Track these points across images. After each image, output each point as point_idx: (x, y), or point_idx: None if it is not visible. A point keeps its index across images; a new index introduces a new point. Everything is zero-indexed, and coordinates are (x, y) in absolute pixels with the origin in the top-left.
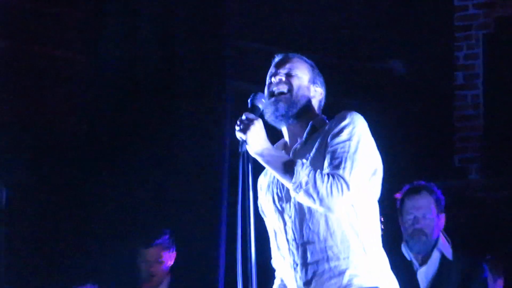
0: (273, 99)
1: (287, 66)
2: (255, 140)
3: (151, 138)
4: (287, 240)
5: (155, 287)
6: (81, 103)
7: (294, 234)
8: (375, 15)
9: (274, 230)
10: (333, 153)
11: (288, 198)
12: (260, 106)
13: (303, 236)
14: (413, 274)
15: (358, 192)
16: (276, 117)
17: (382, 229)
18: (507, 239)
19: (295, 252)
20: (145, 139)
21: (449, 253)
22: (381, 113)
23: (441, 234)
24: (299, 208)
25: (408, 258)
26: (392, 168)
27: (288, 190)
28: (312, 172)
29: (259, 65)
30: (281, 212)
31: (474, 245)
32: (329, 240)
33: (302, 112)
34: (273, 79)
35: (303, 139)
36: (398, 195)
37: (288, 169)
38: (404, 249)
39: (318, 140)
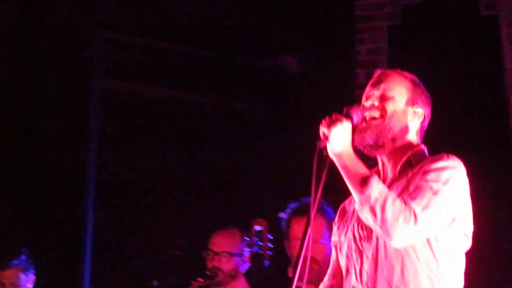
0: (363, 124)
1: (382, 86)
2: (338, 138)
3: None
4: (361, 282)
5: None
6: None
7: (367, 277)
8: (264, 5)
9: (346, 269)
10: (415, 187)
11: (370, 237)
12: (354, 117)
13: (375, 280)
14: None
15: (425, 231)
16: (364, 147)
17: None
18: None
19: None
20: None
21: None
22: (272, 114)
23: None
24: (377, 251)
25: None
26: (285, 175)
27: (371, 229)
28: (386, 191)
29: (132, 60)
30: (360, 252)
31: None
32: None
33: (397, 142)
34: (365, 103)
35: (396, 173)
36: (283, 215)
37: (362, 179)
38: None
39: (409, 176)
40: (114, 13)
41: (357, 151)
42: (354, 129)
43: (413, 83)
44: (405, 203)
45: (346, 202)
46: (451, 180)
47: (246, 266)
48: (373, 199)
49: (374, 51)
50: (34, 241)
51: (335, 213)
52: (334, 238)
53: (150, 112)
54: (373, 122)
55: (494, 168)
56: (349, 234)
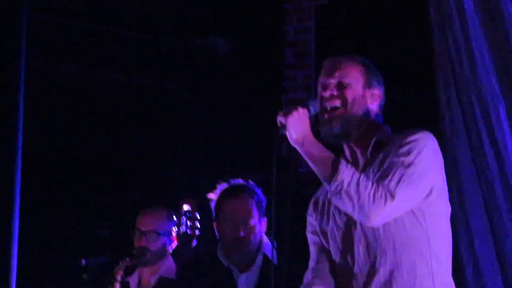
0: (326, 116)
1: (337, 74)
2: (296, 127)
3: None
4: (350, 266)
5: None
6: None
7: (359, 259)
8: None
9: (332, 254)
10: (388, 165)
11: (355, 223)
12: (311, 108)
13: (369, 263)
14: (233, 281)
15: (403, 205)
16: (334, 138)
17: None
18: None
19: (358, 278)
20: None
21: (274, 256)
22: (200, 96)
23: (264, 236)
24: (365, 236)
25: (226, 265)
26: (212, 158)
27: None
28: (357, 174)
29: (61, 40)
30: (348, 238)
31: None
32: (395, 272)
33: (362, 127)
34: (323, 93)
35: (368, 156)
36: (212, 195)
37: (330, 165)
38: (220, 255)
39: (381, 157)
40: None
41: (323, 143)
42: (317, 121)
43: (365, 65)
44: (379, 182)
45: (318, 192)
46: (423, 151)
47: (173, 245)
48: (345, 184)
49: (302, 31)
50: None
51: (265, 194)
52: (311, 228)
53: (79, 93)
54: (336, 112)
55: None
56: (331, 223)
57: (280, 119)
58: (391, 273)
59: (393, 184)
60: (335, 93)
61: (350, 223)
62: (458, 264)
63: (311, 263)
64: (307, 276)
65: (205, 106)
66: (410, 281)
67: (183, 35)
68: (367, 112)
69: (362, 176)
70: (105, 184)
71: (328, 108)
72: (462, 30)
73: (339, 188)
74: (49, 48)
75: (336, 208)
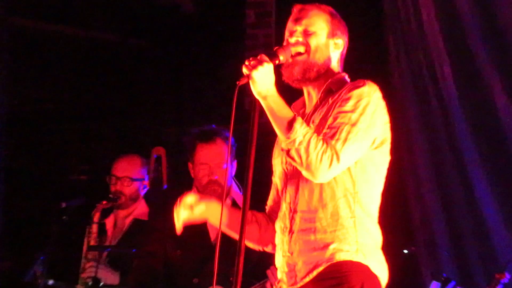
0: (289, 60)
1: (304, 22)
2: (261, 80)
3: None
4: (285, 203)
5: None
6: None
7: (290, 198)
8: None
9: (279, 190)
10: (333, 120)
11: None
12: (281, 57)
13: (297, 203)
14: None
15: (348, 163)
16: (293, 81)
17: None
18: None
19: (288, 216)
20: None
21: (240, 200)
22: (167, 53)
23: (233, 181)
24: (299, 175)
25: None
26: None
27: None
28: (309, 134)
29: None
30: (286, 176)
31: None
32: (320, 212)
33: (321, 73)
34: (290, 39)
35: (318, 100)
36: (187, 139)
37: (287, 122)
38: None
39: (330, 103)
40: None
41: (285, 84)
42: (281, 65)
43: (331, 15)
44: (327, 142)
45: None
46: (368, 107)
47: (146, 189)
48: (297, 142)
49: None
50: None
51: (236, 141)
52: (273, 161)
53: (51, 48)
54: (299, 58)
55: None
56: (278, 159)
57: (244, 70)
58: (317, 212)
59: (339, 144)
60: (300, 39)
61: (290, 163)
62: (406, 209)
63: (268, 200)
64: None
65: (172, 62)
66: (332, 222)
67: None
68: (327, 60)
69: (313, 136)
70: (83, 133)
71: (293, 53)
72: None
73: (290, 145)
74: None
75: None
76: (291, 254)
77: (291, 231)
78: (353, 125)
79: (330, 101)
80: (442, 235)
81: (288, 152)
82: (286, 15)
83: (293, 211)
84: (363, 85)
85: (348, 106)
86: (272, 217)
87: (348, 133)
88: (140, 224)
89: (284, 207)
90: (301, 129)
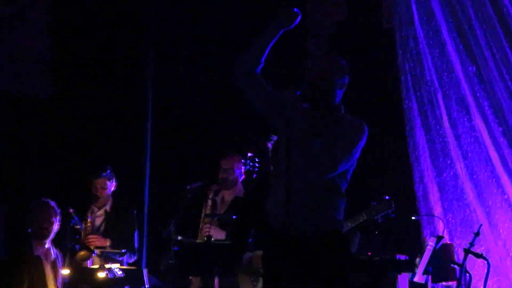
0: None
1: None
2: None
3: None
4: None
5: (102, 206)
6: None
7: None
8: None
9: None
10: (339, 140)
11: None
12: None
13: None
14: None
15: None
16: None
17: None
18: None
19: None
20: None
21: None
22: None
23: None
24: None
25: None
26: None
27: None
28: None
29: None
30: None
31: None
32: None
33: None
34: None
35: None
36: (270, 145)
37: None
38: None
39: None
40: None
41: None
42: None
43: (342, 68)
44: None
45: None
46: (361, 141)
47: (242, 177)
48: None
49: None
50: None
51: None
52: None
53: None
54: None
55: None
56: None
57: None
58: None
59: (338, 159)
60: None
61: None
62: (413, 190)
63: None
64: None
65: None
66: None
67: None
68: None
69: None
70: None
71: None
72: (416, 53)
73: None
74: None
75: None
76: None
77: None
78: (350, 150)
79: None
80: (437, 208)
81: None
82: None
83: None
84: (363, 126)
85: (351, 136)
86: None
87: (345, 152)
88: (239, 200)
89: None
90: None
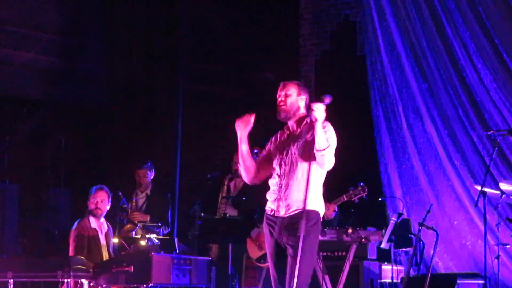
0: (278, 109)
1: (284, 89)
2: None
3: None
4: (279, 176)
5: (144, 190)
6: None
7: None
8: None
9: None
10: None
11: (289, 159)
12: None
13: (286, 171)
14: None
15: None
16: (283, 119)
17: None
18: None
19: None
20: None
21: None
22: None
23: None
24: (292, 156)
25: None
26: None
27: (292, 154)
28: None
29: None
30: (284, 160)
31: None
32: (294, 178)
33: (295, 115)
34: (278, 99)
35: (301, 128)
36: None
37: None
38: None
39: (306, 129)
40: None
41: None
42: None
43: (298, 85)
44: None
45: (279, 133)
46: (333, 135)
47: None
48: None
49: None
50: None
51: None
52: (270, 146)
53: None
54: (282, 107)
55: None
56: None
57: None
58: (296, 178)
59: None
60: (283, 98)
61: (289, 152)
62: (379, 179)
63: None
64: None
65: None
66: (298, 185)
67: None
68: (297, 108)
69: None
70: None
71: (280, 105)
72: (382, 74)
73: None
74: None
75: (286, 145)
76: None
77: (284, 186)
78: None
79: (305, 128)
80: (398, 192)
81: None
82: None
83: (285, 174)
84: (328, 124)
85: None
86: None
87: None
88: (249, 187)
89: (280, 177)
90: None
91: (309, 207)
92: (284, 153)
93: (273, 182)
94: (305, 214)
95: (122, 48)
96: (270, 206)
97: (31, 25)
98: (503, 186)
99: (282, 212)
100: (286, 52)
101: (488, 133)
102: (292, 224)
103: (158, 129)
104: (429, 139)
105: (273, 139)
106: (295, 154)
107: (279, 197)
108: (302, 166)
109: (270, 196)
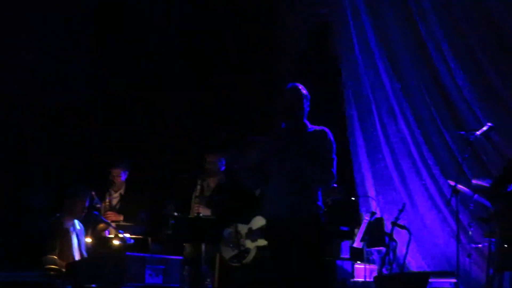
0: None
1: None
2: None
3: None
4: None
5: (117, 190)
6: None
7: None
8: None
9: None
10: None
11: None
12: None
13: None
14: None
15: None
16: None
17: None
18: None
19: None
20: None
21: None
22: None
23: None
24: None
25: None
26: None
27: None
28: None
29: None
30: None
31: None
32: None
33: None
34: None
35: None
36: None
37: None
38: None
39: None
40: None
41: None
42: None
43: (304, 95)
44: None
45: (280, 133)
46: (334, 146)
47: (223, 168)
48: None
49: None
50: None
51: None
52: (270, 147)
53: None
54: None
55: None
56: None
57: None
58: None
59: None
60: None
61: (286, 159)
62: (353, 178)
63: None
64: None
65: None
66: (299, 186)
67: None
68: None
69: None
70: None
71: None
72: (356, 74)
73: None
74: None
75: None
76: None
77: (286, 186)
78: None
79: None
80: (371, 191)
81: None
82: None
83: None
84: (328, 133)
85: (328, 148)
86: None
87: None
88: (221, 186)
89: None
90: None
91: (310, 208)
92: (285, 155)
93: (273, 183)
94: (308, 217)
95: None
96: (270, 208)
97: None
98: (475, 182)
99: (282, 214)
100: (261, 52)
101: (461, 132)
102: (294, 226)
103: (129, 128)
104: (403, 139)
105: (273, 140)
106: (296, 157)
107: (279, 198)
108: (302, 169)
109: (270, 198)
